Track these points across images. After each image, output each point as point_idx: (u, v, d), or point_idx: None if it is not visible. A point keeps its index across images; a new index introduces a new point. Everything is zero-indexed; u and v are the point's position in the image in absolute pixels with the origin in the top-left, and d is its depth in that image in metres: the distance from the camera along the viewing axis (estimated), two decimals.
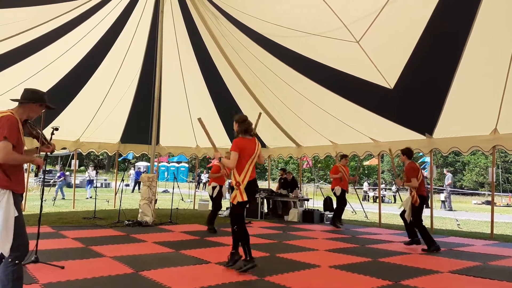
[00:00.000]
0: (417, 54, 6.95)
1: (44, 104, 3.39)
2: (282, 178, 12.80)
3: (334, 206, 10.54)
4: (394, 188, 24.35)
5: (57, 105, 10.43)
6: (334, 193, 10.02)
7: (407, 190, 7.57)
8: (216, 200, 8.57)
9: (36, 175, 4.43)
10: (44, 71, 9.19)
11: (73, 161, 13.62)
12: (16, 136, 3.08)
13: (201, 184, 29.09)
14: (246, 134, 5.00)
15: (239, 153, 4.87)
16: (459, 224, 10.54)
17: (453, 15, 6.24)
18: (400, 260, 5.83)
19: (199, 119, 5.62)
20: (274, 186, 14.52)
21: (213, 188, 8.50)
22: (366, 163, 28.90)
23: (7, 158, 2.99)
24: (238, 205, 4.90)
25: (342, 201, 9.97)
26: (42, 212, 5.08)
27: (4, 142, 2.96)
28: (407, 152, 7.04)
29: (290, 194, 11.81)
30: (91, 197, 15.28)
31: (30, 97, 3.32)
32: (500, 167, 22.81)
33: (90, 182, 17.81)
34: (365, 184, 26.15)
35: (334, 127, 10.17)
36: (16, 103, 3.30)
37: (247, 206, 5.08)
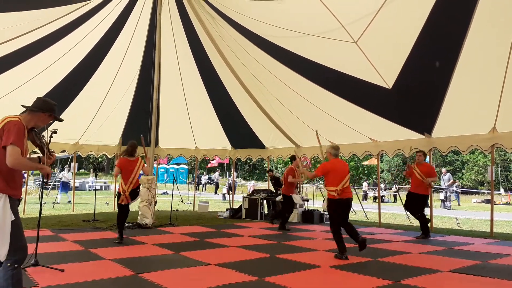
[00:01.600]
0: (415, 54, 6.96)
1: (53, 116, 3.43)
2: (273, 179, 12.69)
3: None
4: (394, 188, 24.36)
5: (55, 103, 10.50)
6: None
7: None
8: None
9: (46, 183, 4.43)
10: (42, 74, 9.19)
11: (72, 164, 13.57)
12: (23, 142, 3.10)
13: (201, 186, 29.11)
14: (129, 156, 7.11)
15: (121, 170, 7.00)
16: (459, 223, 10.54)
17: (451, 14, 6.25)
18: (400, 260, 5.83)
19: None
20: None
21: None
22: (365, 163, 28.92)
23: (15, 163, 3.00)
24: None
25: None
26: (42, 215, 5.08)
27: (12, 147, 2.98)
28: (424, 154, 8.46)
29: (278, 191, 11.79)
30: (69, 202, 14.57)
31: (40, 106, 3.35)
32: (499, 166, 22.83)
33: (65, 185, 15.65)
34: (365, 184, 26.14)
35: (333, 128, 10.16)
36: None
37: None
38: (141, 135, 7.85)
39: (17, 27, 7.64)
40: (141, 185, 9.41)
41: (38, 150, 3.50)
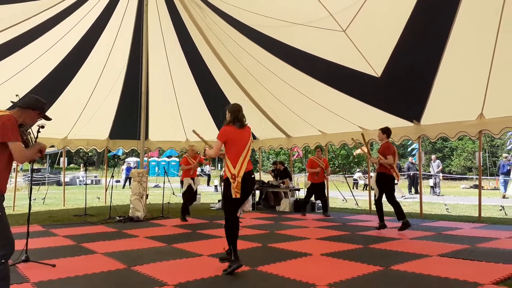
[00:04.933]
0: (403, 42, 6.98)
1: (42, 114, 3.44)
2: (275, 170, 12.81)
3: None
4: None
5: (46, 102, 10.37)
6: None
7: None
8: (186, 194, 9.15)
9: (42, 159, 4.34)
10: (27, 69, 9.05)
11: (61, 159, 13.46)
12: (20, 136, 3.14)
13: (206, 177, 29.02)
14: (236, 124, 4.60)
15: (226, 142, 4.54)
16: (447, 209, 10.70)
17: (438, 2, 6.27)
18: (390, 246, 5.91)
19: (194, 131, 6.11)
20: (264, 177, 14.57)
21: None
22: (356, 151, 29.05)
23: (23, 158, 3.12)
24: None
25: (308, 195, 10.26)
26: (32, 211, 5.04)
27: (15, 143, 3.03)
28: (387, 131, 7.43)
29: (282, 184, 11.86)
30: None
31: (30, 103, 3.36)
32: (487, 151, 23.11)
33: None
34: (359, 174, 26.14)
35: (323, 117, 10.20)
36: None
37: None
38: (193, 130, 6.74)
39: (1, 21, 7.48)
40: (133, 179, 9.42)
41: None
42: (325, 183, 10.46)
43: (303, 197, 10.73)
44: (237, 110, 4.68)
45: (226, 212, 4.58)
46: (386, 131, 7.43)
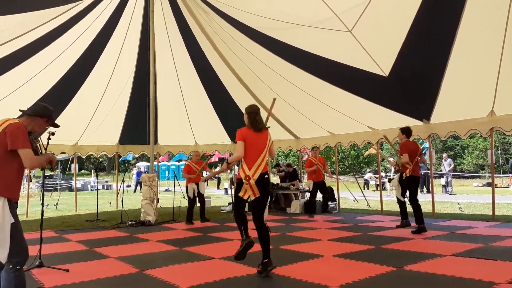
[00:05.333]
0: (410, 40, 6.92)
1: (50, 122, 3.49)
2: (281, 171, 12.82)
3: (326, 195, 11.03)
4: (391, 175, 24.37)
5: (53, 110, 10.49)
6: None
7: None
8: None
9: (52, 169, 4.45)
10: (37, 76, 9.17)
11: (73, 165, 13.60)
12: (29, 143, 3.17)
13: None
14: (254, 127, 4.59)
15: (245, 143, 4.48)
16: (460, 207, 10.57)
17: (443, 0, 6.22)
18: (403, 246, 5.86)
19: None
20: (274, 179, 14.54)
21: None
22: (366, 153, 28.88)
23: (34, 165, 3.17)
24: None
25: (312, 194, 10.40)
26: (45, 217, 5.10)
27: (24, 150, 3.07)
28: (406, 131, 7.41)
29: (291, 186, 11.83)
30: None
31: (38, 111, 3.41)
32: (499, 149, 22.84)
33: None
34: (369, 174, 25.92)
35: (332, 118, 10.16)
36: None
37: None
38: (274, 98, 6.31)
39: (7, 31, 7.59)
40: (143, 183, 9.47)
41: None
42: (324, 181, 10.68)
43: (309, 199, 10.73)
44: (253, 112, 4.62)
45: (235, 212, 4.64)
46: (405, 131, 7.41)
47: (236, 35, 8.83)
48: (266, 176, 4.52)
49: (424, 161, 8.16)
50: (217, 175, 28.16)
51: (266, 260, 4.40)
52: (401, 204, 7.59)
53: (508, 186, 19.25)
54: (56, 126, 3.61)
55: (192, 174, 9.22)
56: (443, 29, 6.61)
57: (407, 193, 7.40)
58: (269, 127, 4.83)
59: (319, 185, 10.42)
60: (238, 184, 4.56)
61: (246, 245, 4.36)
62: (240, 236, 4.50)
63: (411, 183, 7.28)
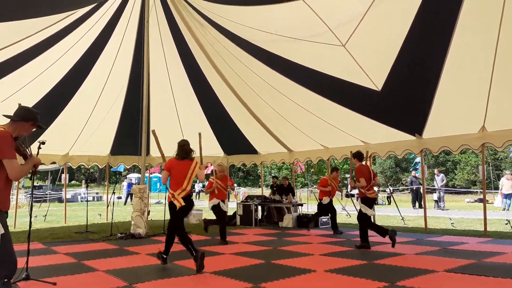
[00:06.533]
0: (403, 56, 7.01)
1: (36, 124, 3.42)
2: (275, 186, 12.76)
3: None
4: (388, 190, 24.43)
5: (45, 119, 10.38)
6: (320, 203, 10.14)
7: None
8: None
9: (35, 173, 4.38)
10: (29, 85, 9.10)
11: (63, 176, 13.44)
12: (15, 152, 3.14)
13: (194, 194, 28.93)
14: (179, 157, 5.69)
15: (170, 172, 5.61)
16: (452, 223, 10.58)
17: (436, 16, 6.31)
18: (396, 261, 5.82)
19: (153, 131, 6.93)
20: (267, 192, 14.48)
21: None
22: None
23: (20, 175, 3.11)
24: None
25: (331, 210, 10.00)
26: (33, 228, 5.00)
27: (10, 161, 3.01)
28: (357, 155, 7.50)
29: (285, 199, 11.78)
30: None
31: (23, 115, 3.34)
32: (490, 165, 22.99)
33: None
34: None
35: (325, 131, 10.20)
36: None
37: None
38: (152, 129, 7.33)
39: (1, 38, 7.55)
40: (134, 195, 9.36)
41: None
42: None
43: (312, 214, 10.51)
44: (179, 145, 5.78)
45: (171, 223, 5.59)
46: (356, 156, 7.48)
47: (231, 47, 8.87)
48: (190, 198, 5.60)
49: (378, 184, 8.28)
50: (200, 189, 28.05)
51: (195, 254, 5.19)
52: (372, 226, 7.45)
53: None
54: (42, 128, 3.55)
55: (212, 191, 8.18)
56: (436, 45, 6.70)
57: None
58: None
59: (328, 205, 10.02)
60: (171, 207, 5.54)
61: (201, 256, 5.13)
62: (190, 254, 5.26)
63: (368, 205, 7.27)
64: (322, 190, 10.02)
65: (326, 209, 10.04)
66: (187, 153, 5.70)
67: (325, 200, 9.97)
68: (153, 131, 7.09)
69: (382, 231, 7.06)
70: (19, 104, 3.50)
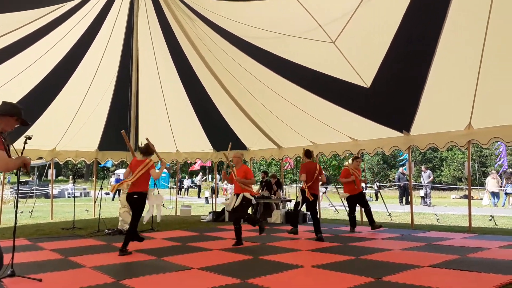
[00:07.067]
0: (392, 53, 7.06)
1: (20, 119, 3.41)
2: (264, 181, 12.76)
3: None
4: (375, 186, 24.65)
5: (31, 114, 10.21)
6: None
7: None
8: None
9: (27, 173, 4.38)
10: (16, 79, 8.96)
11: (49, 171, 13.29)
12: (3, 145, 3.10)
13: (183, 190, 28.85)
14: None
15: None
16: (438, 219, 10.73)
17: (425, 14, 6.36)
18: (382, 257, 5.89)
19: (122, 132, 7.43)
20: (256, 188, 14.49)
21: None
22: (346, 163, 29.12)
23: (6, 167, 3.15)
24: None
25: (363, 203, 9.32)
26: (19, 224, 4.94)
27: None
28: (306, 153, 8.42)
29: (273, 196, 11.81)
30: None
31: (7, 110, 3.34)
32: (476, 162, 23.36)
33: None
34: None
35: (314, 127, 10.23)
36: None
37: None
38: (122, 131, 7.59)
39: None
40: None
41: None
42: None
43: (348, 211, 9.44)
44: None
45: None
46: (305, 154, 8.40)
47: (221, 43, 8.83)
48: (135, 196, 6.33)
49: (324, 181, 8.67)
50: (198, 183, 27.99)
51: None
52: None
53: (480, 199, 19.65)
54: (26, 123, 3.55)
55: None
56: (424, 42, 6.76)
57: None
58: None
59: (358, 198, 9.26)
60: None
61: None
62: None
63: (304, 198, 8.09)
64: (346, 181, 9.26)
65: (356, 202, 9.23)
66: (142, 152, 6.56)
67: (344, 195, 9.42)
68: (123, 132, 7.57)
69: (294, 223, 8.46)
70: (3, 101, 3.47)
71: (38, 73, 9.24)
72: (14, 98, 9.20)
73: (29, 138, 4.60)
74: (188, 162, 14.25)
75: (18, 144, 3.88)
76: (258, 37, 8.03)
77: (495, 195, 17.20)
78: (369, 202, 9.68)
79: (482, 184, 20.67)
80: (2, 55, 8.26)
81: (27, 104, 8.53)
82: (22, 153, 3.93)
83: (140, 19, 8.98)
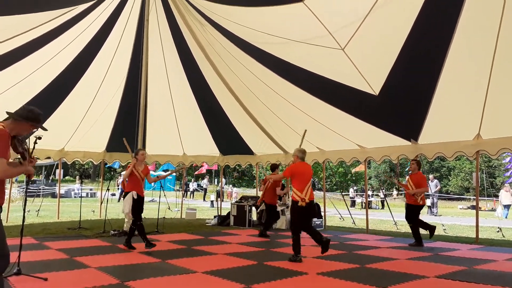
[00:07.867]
0: (401, 61, 7.04)
1: (38, 125, 3.41)
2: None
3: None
4: (381, 194, 24.53)
5: (41, 112, 10.31)
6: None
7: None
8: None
9: (27, 184, 4.52)
10: (27, 79, 9.06)
11: (57, 171, 13.39)
12: (7, 151, 3.08)
13: (189, 193, 28.90)
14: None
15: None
16: (445, 229, 10.64)
17: (435, 23, 6.35)
18: (387, 266, 5.85)
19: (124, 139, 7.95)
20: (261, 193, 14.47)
21: None
22: (354, 170, 29.06)
23: (4, 175, 3.06)
24: None
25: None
26: (26, 223, 4.98)
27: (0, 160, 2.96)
28: (271, 167, 9.72)
29: (279, 201, 11.77)
30: None
31: (26, 115, 3.32)
32: (484, 172, 23.16)
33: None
34: (351, 190, 26.21)
35: (321, 134, 10.21)
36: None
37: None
38: (124, 138, 7.92)
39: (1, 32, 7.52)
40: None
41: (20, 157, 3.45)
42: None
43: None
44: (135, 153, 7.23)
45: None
46: (271, 167, 9.70)
47: (230, 48, 8.87)
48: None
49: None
50: (204, 187, 28.03)
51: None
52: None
53: (493, 210, 19.48)
54: (44, 129, 3.52)
55: None
56: (434, 51, 6.74)
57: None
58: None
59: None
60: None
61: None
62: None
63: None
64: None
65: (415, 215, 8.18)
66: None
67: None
68: (124, 139, 8.23)
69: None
70: (23, 106, 3.46)
71: (49, 73, 9.34)
72: (26, 98, 9.34)
73: (39, 138, 4.65)
74: (194, 165, 14.24)
75: (28, 144, 3.94)
76: (267, 43, 8.06)
77: (507, 207, 17.09)
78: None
79: (490, 195, 20.47)
80: (13, 56, 8.37)
81: (38, 104, 8.59)
82: (32, 152, 3.95)
83: (150, 23, 9.05)
